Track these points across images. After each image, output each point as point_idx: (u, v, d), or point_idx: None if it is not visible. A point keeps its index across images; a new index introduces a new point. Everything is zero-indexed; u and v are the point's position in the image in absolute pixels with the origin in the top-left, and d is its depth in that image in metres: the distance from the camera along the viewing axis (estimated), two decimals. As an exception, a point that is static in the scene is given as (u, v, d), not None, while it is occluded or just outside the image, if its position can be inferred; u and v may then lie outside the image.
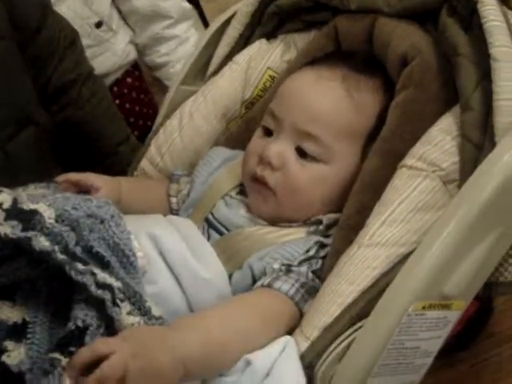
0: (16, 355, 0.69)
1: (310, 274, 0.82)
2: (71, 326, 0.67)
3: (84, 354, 0.63)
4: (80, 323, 0.67)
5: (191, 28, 1.58)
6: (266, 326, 0.76)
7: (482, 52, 0.79)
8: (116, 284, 0.70)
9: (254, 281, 0.84)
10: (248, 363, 0.72)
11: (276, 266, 0.82)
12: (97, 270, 0.70)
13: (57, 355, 0.65)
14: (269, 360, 0.72)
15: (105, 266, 0.72)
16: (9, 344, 0.69)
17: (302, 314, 0.80)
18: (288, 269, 0.82)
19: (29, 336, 0.70)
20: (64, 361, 0.65)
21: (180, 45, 1.55)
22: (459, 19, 0.84)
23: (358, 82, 0.89)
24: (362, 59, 0.92)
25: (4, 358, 0.68)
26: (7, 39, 1.09)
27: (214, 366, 0.72)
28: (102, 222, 0.76)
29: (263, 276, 0.82)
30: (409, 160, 0.81)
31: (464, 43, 0.82)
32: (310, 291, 0.80)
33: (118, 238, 0.75)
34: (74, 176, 0.92)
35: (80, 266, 0.70)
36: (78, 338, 0.67)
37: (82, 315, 0.68)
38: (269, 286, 0.79)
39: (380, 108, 0.89)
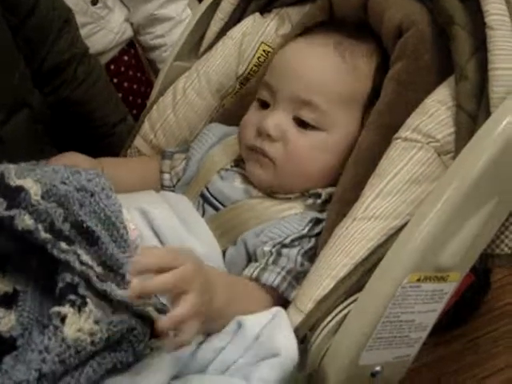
0: (6, 322, 0.69)
1: (299, 258, 0.82)
2: (61, 284, 0.68)
3: (150, 260, 0.65)
4: (69, 280, 0.67)
5: (187, 9, 1.55)
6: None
7: (477, 21, 0.78)
8: (97, 269, 0.70)
9: (248, 256, 0.84)
10: (240, 325, 0.72)
11: (267, 248, 0.82)
12: (80, 251, 0.69)
13: (57, 309, 0.65)
14: (259, 323, 0.72)
15: (94, 241, 0.71)
16: None
17: (289, 302, 0.79)
18: (278, 251, 0.81)
19: (20, 304, 0.70)
20: (65, 310, 0.65)
21: (175, 27, 1.53)
22: (455, -12, 0.83)
23: (350, 46, 0.89)
24: (353, 26, 0.92)
25: None
26: (-1, 21, 1.07)
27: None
28: (93, 195, 0.75)
29: (254, 259, 0.82)
30: (404, 132, 0.80)
31: (459, 13, 0.81)
32: (298, 277, 0.80)
33: (110, 210, 0.74)
34: (58, 161, 0.90)
35: (63, 246, 0.69)
36: (71, 291, 0.67)
37: (69, 278, 0.68)
38: (256, 279, 0.79)
39: (374, 73, 0.88)
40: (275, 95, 0.89)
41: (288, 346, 0.71)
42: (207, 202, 0.91)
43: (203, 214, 0.89)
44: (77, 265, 0.69)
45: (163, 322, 0.64)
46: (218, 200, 0.90)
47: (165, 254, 0.67)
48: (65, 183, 0.75)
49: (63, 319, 0.65)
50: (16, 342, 0.67)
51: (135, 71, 1.55)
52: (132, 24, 1.54)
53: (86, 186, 0.76)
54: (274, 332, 0.72)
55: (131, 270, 0.65)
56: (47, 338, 0.64)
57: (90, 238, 0.72)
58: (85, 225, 0.72)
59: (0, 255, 0.74)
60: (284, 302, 0.79)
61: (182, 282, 0.65)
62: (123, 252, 0.74)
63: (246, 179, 0.91)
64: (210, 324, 0.72)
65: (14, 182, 0.72)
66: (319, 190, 0.87)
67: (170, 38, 1.53)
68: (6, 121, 1.09)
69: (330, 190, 0.87)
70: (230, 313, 0.74)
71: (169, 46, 1.52)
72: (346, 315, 0.74)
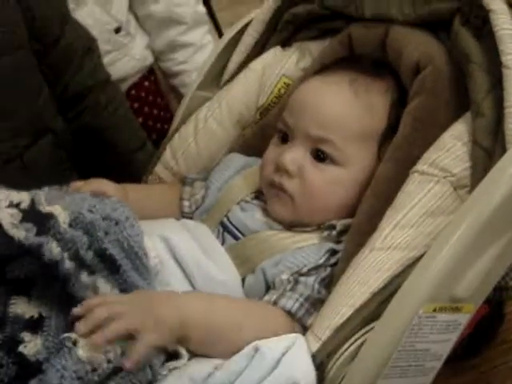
0: (32, 346, 0.71)
1: (316, 286, 0.83)
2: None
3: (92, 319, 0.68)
4: None
5: (207, 34, 1.58)
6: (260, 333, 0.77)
7: (493, 60, 0.80)
8: None
9: (267, 285, 0.85)
10: (256, 350, 0.73)
11: (284, 276, 0.83)
12: (100, 283, 0.73)
13: (67, 334, 0.68)
14: (278, 350, 0.73)
15: (115, 269, 0.74)
16: (25, 335, 0.71)
17: (305, 328, 0.80)
18: (296, 279, 0.83)
19: (45, 329, 0.72)
20: (74, 336, 0.68)
21: (196, 52, 1.55)
22: (471, 28, 0.85)
23: (365, 83, 0.90)
24: (370, 62, 0.93)
25: (21, 348, 0.70)
26: (25, 49, 1.10)
27: (215, 342, 0.75)
28: (117, 223, 0.77)
29: (272, 287, 0.84)
30: (421, 165, 0.82)
31: (476, 51, 0.83)
32: (315, 303, 0.82)
33: (133, 240, 0.76)
34: (87, 187, 0.89)
35: (84, 278, 0.72)
36: None
37: None
38: (274, 303, 0.81)
39: (390, 108, 0.90)
40: (292, 132, 0.91)
41: (307, 374, 0.72)
42: (227, 230, 0.92)
43: (223, 243, 0.91)
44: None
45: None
46: (238, 229, 0.91)
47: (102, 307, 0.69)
48: (91, 211, 0.77)
49: (75, 342, 0.67)
50: (42, 365, 0.69)
51: (155, 96, 1.58)
52: (153, 51, 1.57)
53: (112, 214, 0.78)
54: (293, 360, 0.73)
55: (80, 329, 0.67)
56: (64, 358, 0.66)
57: (112, 267, 0.75)
58: (108, 252, 0.74)
59: (25, 279, 0.76)
60: (301, 328, 0.80)
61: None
62: (144, 279, 0.77)
63: (267, 212, 0.93)
64: (213, 346, 0.75)
65: (44, 208, 0.74)
66: (334, 222, 0.88)
67: (191, 63, 1.55)
68: (31, 145, 1.11)
69: (344, 221, 0.88)
70: (243, 338, 0.75)
71: (191, 72, 1.55)
72: (362, 343, 0.75)
